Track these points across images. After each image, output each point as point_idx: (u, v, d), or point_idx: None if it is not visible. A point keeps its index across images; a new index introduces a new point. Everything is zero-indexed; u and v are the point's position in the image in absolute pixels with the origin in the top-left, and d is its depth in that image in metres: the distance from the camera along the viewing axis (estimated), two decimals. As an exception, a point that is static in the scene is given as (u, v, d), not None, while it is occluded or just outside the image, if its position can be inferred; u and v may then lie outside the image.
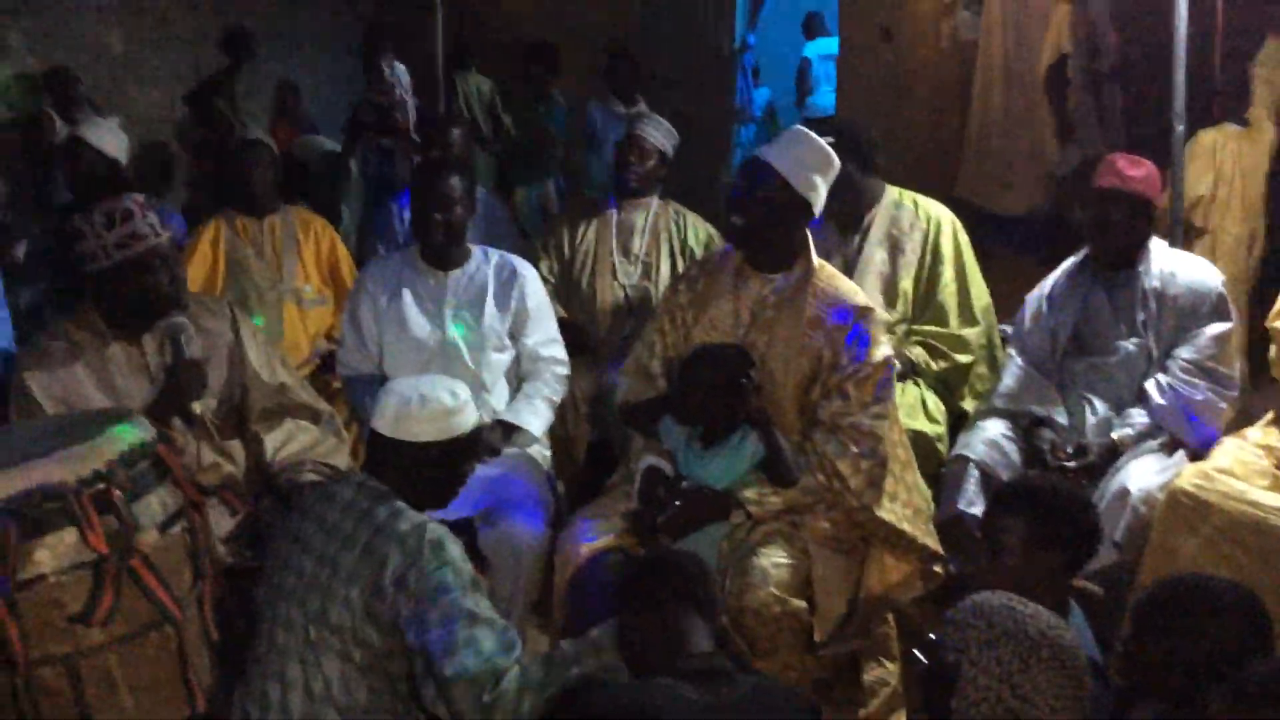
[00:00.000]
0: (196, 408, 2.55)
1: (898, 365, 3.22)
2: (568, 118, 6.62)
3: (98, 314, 2.59)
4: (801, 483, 2.80)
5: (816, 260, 2.93)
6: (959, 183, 5.73)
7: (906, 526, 2.83)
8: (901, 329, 3.57)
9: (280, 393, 2.96)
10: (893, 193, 3.65)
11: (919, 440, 3.34)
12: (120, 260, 2.46)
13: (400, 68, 5.58)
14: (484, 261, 3.48)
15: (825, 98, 7.82)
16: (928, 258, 3.58)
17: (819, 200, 2.87)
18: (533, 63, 6.55)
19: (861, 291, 3.00)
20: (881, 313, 3.48)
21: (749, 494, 2.78)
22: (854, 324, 2.84)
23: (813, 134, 2.87)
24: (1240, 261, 4.55)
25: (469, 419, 2.37)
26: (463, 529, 3.20)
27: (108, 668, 1.47)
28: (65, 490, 1.43)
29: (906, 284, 3.57)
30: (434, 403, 2.30)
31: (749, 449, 2.79)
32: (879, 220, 3.61)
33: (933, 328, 3.56)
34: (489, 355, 3.42)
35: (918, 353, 3.53)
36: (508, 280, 3.46)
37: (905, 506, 2.85)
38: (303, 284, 4.06)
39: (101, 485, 1.45)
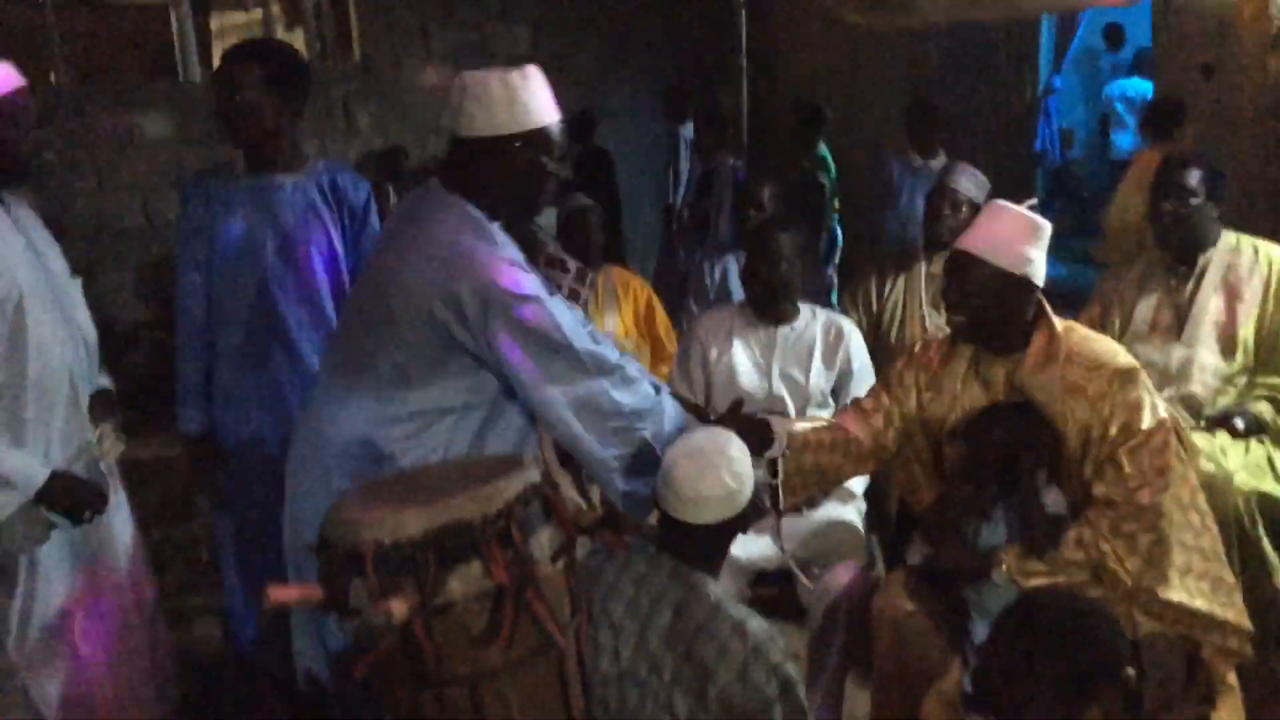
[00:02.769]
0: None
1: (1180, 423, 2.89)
2: (856, 172, 6.66)
3: None
4: (1065, 555, 2.57)
5: (1062, 324, 2.73)
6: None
7: (1201, 603, 2.57)
8: (1242, 381, 3.37)
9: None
10: (1230, 237, 3.48)
11: (1266, 503, 3.14)
12: None
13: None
14: (812, 319, 3.57)
15: (1125, 139, 7.50)
16: (1270, 304, 3.37)
17: (1038, 270, 2.68)
18: (800, 120, 6.62)
19: (1123, 352, 2.72)
20: (1216, 361, 3.34)
21: (1010, 559, 2.61)
22: (1118, 389, 2.60)
23: (1009, 205, 2.72)
24: None
25: (747, 493, 2.29)
26: (777, 580, 3.28)
27: (503, 689, 1.63)
28: (473, 526, 1.61)
29: (1246, 332, 3.38)
30: (718, 489, 2.21)
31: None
32: (1214, 264, 3.44)
33: (1278, 379, 3.35)
34: (813, 410, 3.49)
35: (1263, 407, 3.32)
36: (835, 339, 3.54)
37: (1200, 579, 2.59)
38: (622, 337, 4.28)
39: (503, 522, 1.62)
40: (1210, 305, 3.41)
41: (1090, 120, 8.64)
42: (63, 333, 2.58)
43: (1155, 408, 2.60)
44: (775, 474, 2.70)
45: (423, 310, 2.23)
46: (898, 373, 2.89)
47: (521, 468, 1.73)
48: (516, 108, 2.30)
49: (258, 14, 8.61)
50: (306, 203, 3.11)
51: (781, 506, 2.75)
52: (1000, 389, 2.73)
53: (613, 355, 2.35)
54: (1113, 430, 2.57)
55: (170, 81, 7.53)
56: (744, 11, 5.93)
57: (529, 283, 2.27)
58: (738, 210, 4.95)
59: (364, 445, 2.22)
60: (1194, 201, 3.37)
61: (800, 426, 2.89)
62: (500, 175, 2.31)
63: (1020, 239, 2.65)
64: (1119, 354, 2.68)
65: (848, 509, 3.43)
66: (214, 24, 10.28)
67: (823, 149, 6.62)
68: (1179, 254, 3.46)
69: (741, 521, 2.28)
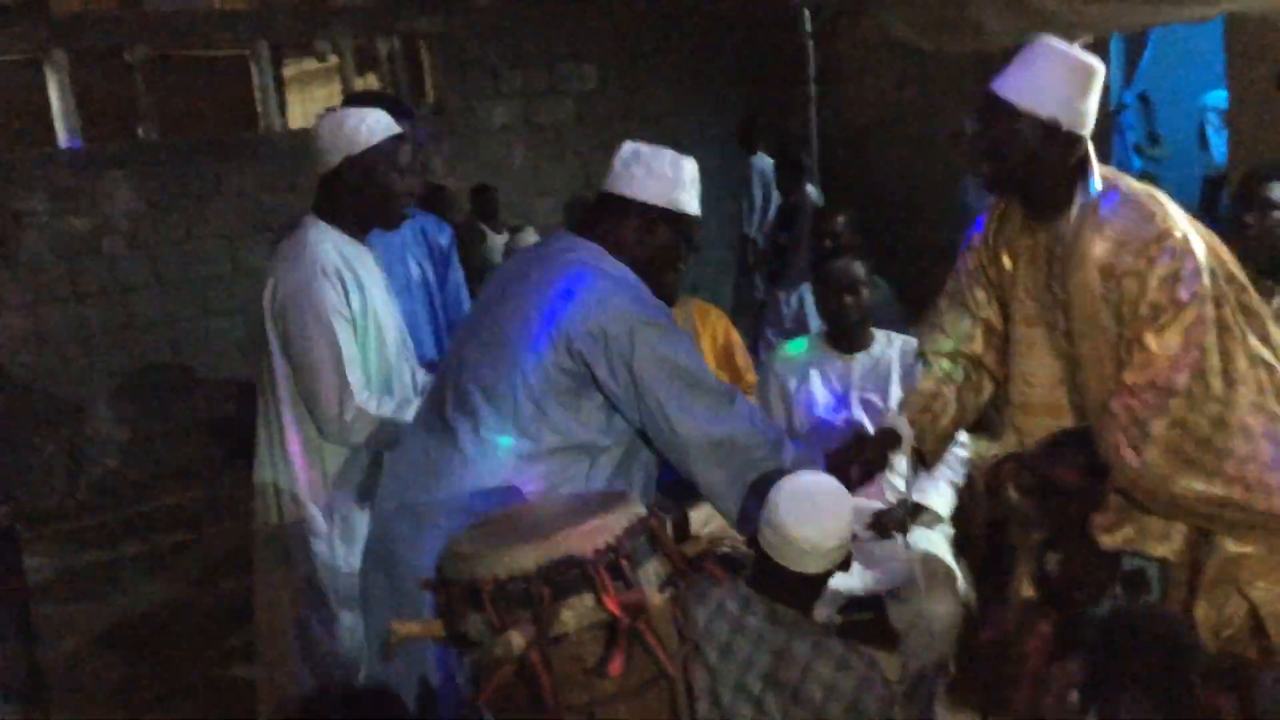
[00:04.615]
0: None
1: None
2: (931, 196, 6.68)
3: None
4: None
5: (1100, 182, 2.38)
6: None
7: (1228, 491, 2.23)
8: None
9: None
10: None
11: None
12: None
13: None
14: (888, 345, 3.60)
15: (1217, 150, 7.40)
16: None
17: (1083, 118, 2.33)
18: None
19: (1161, 213, 2.32)
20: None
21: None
22: (1147, 264, 2.28)
23: (1055, 42, 2.37)
24: None
25: (848, 546, 2.30)
26: (871, 606, 3.30)
27: (618, 717, 1.70)
28: (585, 559, 1.68)
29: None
30: (826, 540, 2.23)
31: None
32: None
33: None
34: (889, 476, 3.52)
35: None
36: (912, 363, 3.56)
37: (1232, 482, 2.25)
38: (704, 371, 4.34)
39: (612, 555, 1.69)
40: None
41: (1184, 131, 8.48)
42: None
43: (1192, 278, 2.27)
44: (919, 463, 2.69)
45: (563, 343, 2.29)
46: (972, 259, 2.64)
47: (627, 502, 1.80)
48: (681, 188, 2.46)
49: (332, 61, 8.86)
50: (402, 245, 3.24)
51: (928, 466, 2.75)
52: (1043, 258, 2.46)
53: (732, 390, 2.44)
54: (1142, 309, 2.29)
55: (253, 132, 7.78)
56: (811, 41, 5.99)
57: (669, 319, 2.37)
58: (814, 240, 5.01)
59: (504, 487, 2.28)
60: (1276, 214, 3.35)
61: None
62: (639, 242, 2.44)
63: (1064, 83, 2.32)
64: (1154, 218, 2.32)
65: (935, 534, 3.44)
66: (287, 72, 10.59)
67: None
68: (1265, 268, 3.43)
69: (842, 565, 2.30)
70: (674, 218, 2.46)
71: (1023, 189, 2.45)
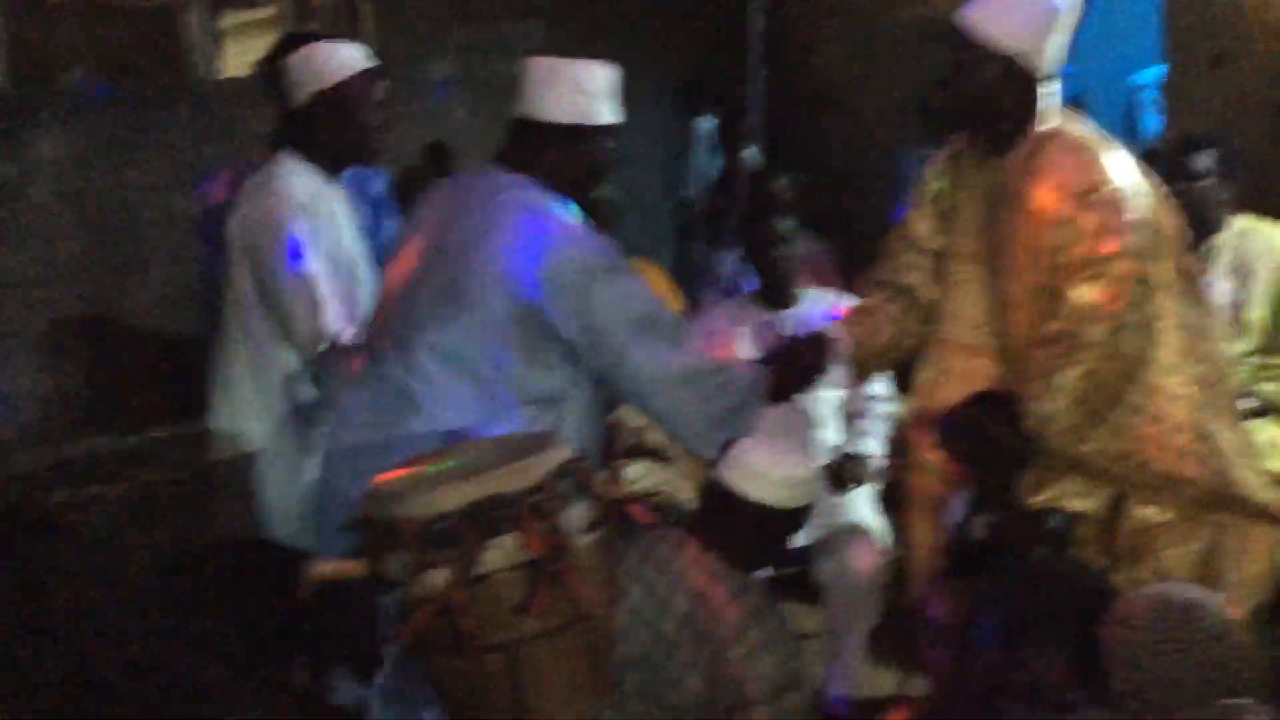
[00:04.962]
0: None
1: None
2: (873, 167, 6.70)
3: None
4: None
5: (1050, 125, 2.34)
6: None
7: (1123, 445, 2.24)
8: (1253, 361, 3.42)
9: (636, 434, 3.21)
10: (1240, 220, 3.53)
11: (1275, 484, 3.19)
12: None
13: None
14: (816, 301, 3.63)
15: (1151, 121, 7.53)
16: (1278, 286, 3.43)
17: (1043, 58, 2.31)
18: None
19: (1105, 158, 2.29)
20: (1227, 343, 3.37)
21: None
22: (1080, 210, 2.25)
23: None
24: None
25: (813, 493, 2.36)
26: (796, 560, 3.34)
27: (539, 656, 1.70)
28: (510, 499, 1.67)
29: (1257, 314, 3.43)
30: (803, 468, 2.30)
31: None
32: (1225, 248, 3.50)
33: (1288, 361, 3.39)
34: (823, 392, 3.55)
35: (1273, 388, 3.37)
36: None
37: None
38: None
39: (539, 496, 1.69)
40: (1220, 288, 3.46)
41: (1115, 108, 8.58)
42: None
43: (1121, 232, 2.25)
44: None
45: (518, 292, 2.25)
46: (925, 190, 2.64)
47: (556, 444, 1.79)
48: (598, 99, 2.39)
49: (267, 12, 8.67)
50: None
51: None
52: (988, 196, 2.45)
53: (685, 320, 2.43)
54: (1069, 258, 2.27)
55: (187, 81, 7.60)
56: (759, 6, 5.98)
57: (617, 256, 2.36)
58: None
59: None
60: (1203, 184, 3.42)
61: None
62: (567, 164, 2.38)
63: (1027, 19, 2.30)
64: (1091, 167, 2.29)
65: (860, 489, 3.48)
66: (223, 24, 10.35)
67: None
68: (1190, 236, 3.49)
69: (797, 524, 2.33)
70: (596, 131, 2.39)
71: (975, 123, 2.43)
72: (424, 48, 7.86)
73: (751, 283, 3.75)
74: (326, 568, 1.80)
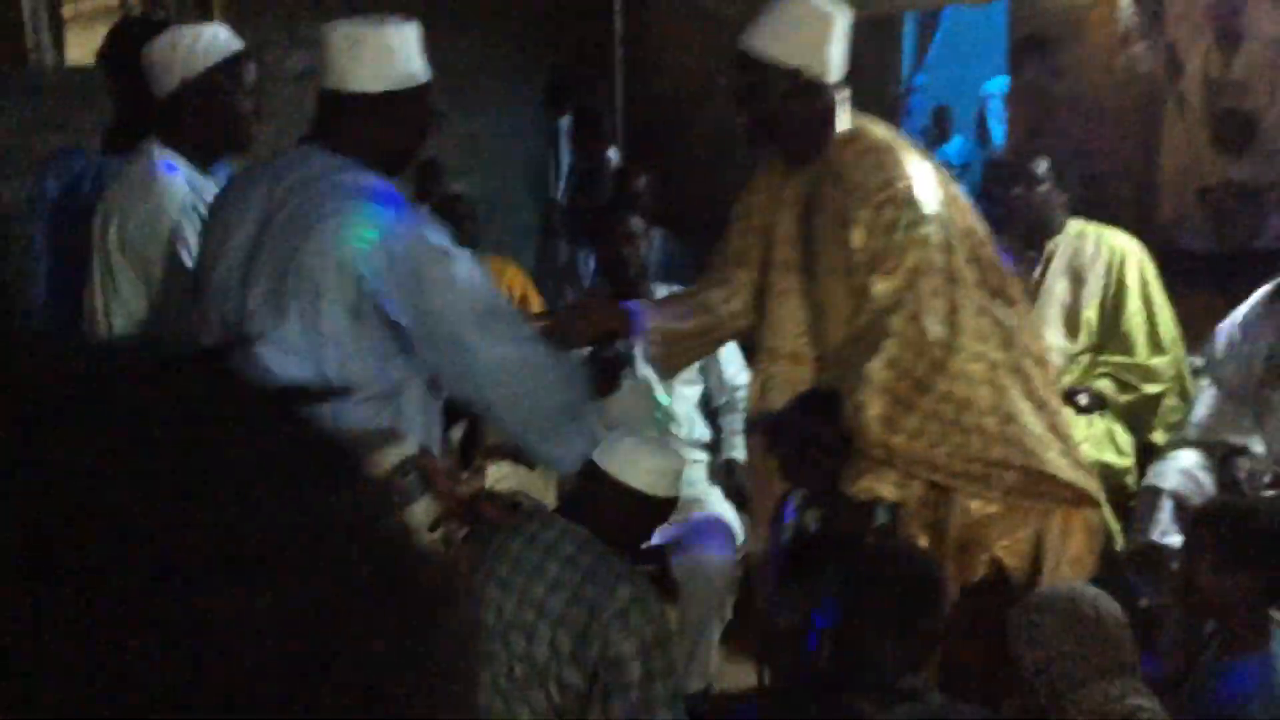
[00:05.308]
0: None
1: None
2: (734, 169, 6.81)
3: None
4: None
5: (845, 129, 2.44)
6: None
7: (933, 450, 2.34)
8: (1086, 360, 3.58)
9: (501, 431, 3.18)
10: (1075, 224, 3.69)
11: (1107, 473, 3.34)
12: None
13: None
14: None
15: (1000, 132, 7.80)
16: (1112, 287, 3.59)
17: (827, 66, 2.40)
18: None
19: (896, 158, 2.40)
20: (1062, 342, 3.51)
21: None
22: (874, 210, 2.35)
23: None
24: None
25: (678, 485, 2.38)
26: (654, 556, 3.35)
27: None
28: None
29: (1090, 314, 3.59)
30: (672, 459, 2.35)
31: None
32: (1061, 251, 3.65)
33: (1120, 358, 3.56)
34: (679, 388, 3.57)
35: (1104, 384, 3.53)
36: None
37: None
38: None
39: (379, 493, 1.65)
40: (1057, 289, 3.61)
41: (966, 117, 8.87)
42: None
43: (915, 225, 2.35)
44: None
45: (352, 281, 2.15)
46: (744, 206, 2.71)
47: (399, 440, 1.76)
48: (409, 60, 2.26)
49: (116, -1, 8.33)
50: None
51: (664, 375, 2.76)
52: (799, 205, 2.54)
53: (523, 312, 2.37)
54: (870, 255, 2.37)
55: (23, 67, 7.24)
56: (619, 6, 6.00)
57: (450, 240, 2.25)
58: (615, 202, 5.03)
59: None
60: (1041, 189, 3.56)
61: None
62: (386, 135, 2.24)
63: (806, 33, 2.40)
64: (884, 166, 2.39)
65: (715, 491, 3.52)
66: (66, 11, 9.91)
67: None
68: (1027, 239, 3.64)
69: (662, 515, 2.37)
70: (410, 95, 2.26)
71: (776, 138, 2.51)
72: (278, 40, 7.65)
73: (602, 281, 3.76)
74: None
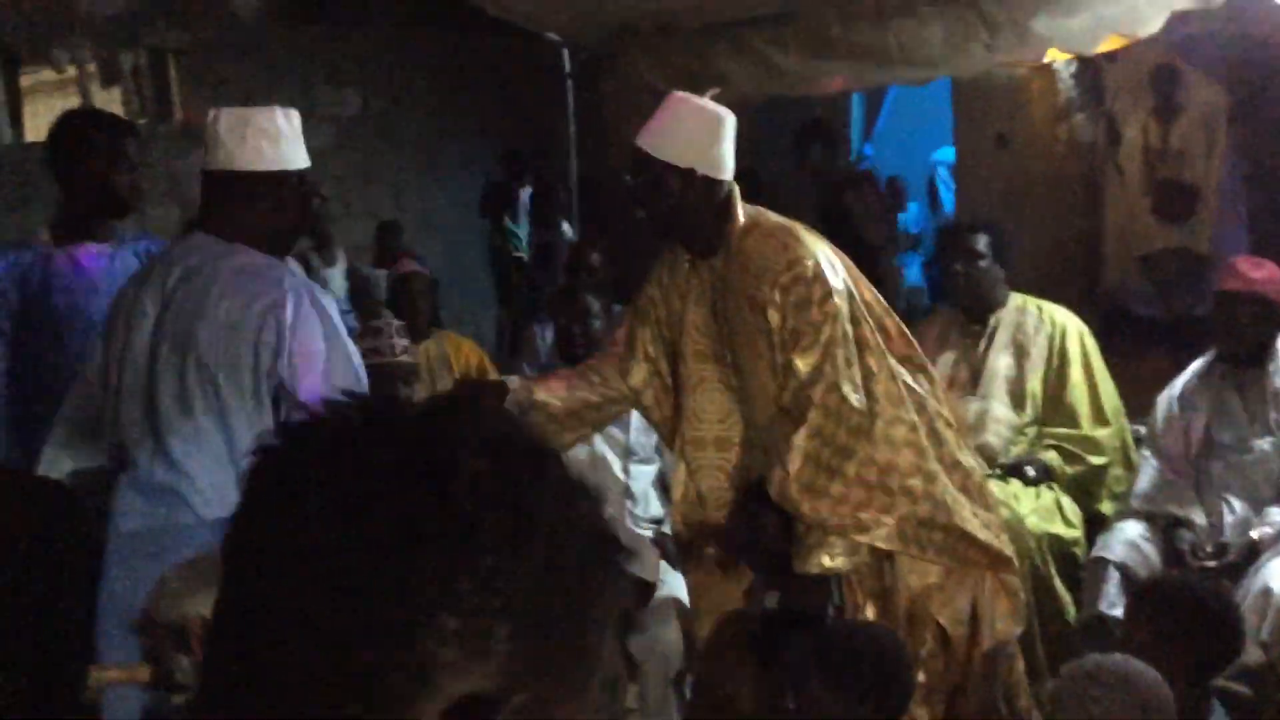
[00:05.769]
0: None
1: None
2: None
3: None
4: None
5: (748, 219, 2.56)
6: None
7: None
8: (1032, 432, 3.65)
9: None
10: (1016, 298, 3.77)
11: (1056, 544, 3.41)
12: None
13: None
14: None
15: (950, 200, 7.98)
16: (1054, 360, 3.66)
17: (719, 163, 2.51)
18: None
19: (797, 240, 2.51)
20: (1008, 414, 3.58)
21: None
22: (781, 293, 2.44)
23: (688, 96, 2.57)
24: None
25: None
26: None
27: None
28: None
29: (1034, 386, 3.65)
30: (640, 544, 2.48)
31: None
32: (1004, 325, 3.72)
33: (1064, 430, 3.63)
34: (636, 466, 3.61)
35: (1051, 456, 3.59)
36: None
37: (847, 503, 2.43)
38: (454, 401, 4.34)
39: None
40: (1001, 362, 3.68)
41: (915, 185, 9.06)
42: None
43: (823, 300, 2.44)
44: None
45: (259, 362, 2.18)
46: (643, 300, 2.78)
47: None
48: (290, 143, 2.31)
49: (72, 73, 8.36)
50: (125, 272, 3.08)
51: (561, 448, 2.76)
52: (708, 296, 2.62)
53: None
54: (785, 335, 2.45)
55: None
56: (571, 81, 6.11)
57: (337, 322, 2.28)
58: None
59: None
60: (982, 264, 3.65)
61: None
62: (272, 214, 2.29)
63: (697, 133, 2.51)
64: (786, 249, 2.49)
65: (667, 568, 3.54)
66: (25, 81, 9.92)
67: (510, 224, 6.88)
68: (970, 314, 3.73)
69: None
70: (291, 177, 2.31)
71: (675, 231, 2.62)
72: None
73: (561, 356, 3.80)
74: (110, 673, 1.73)
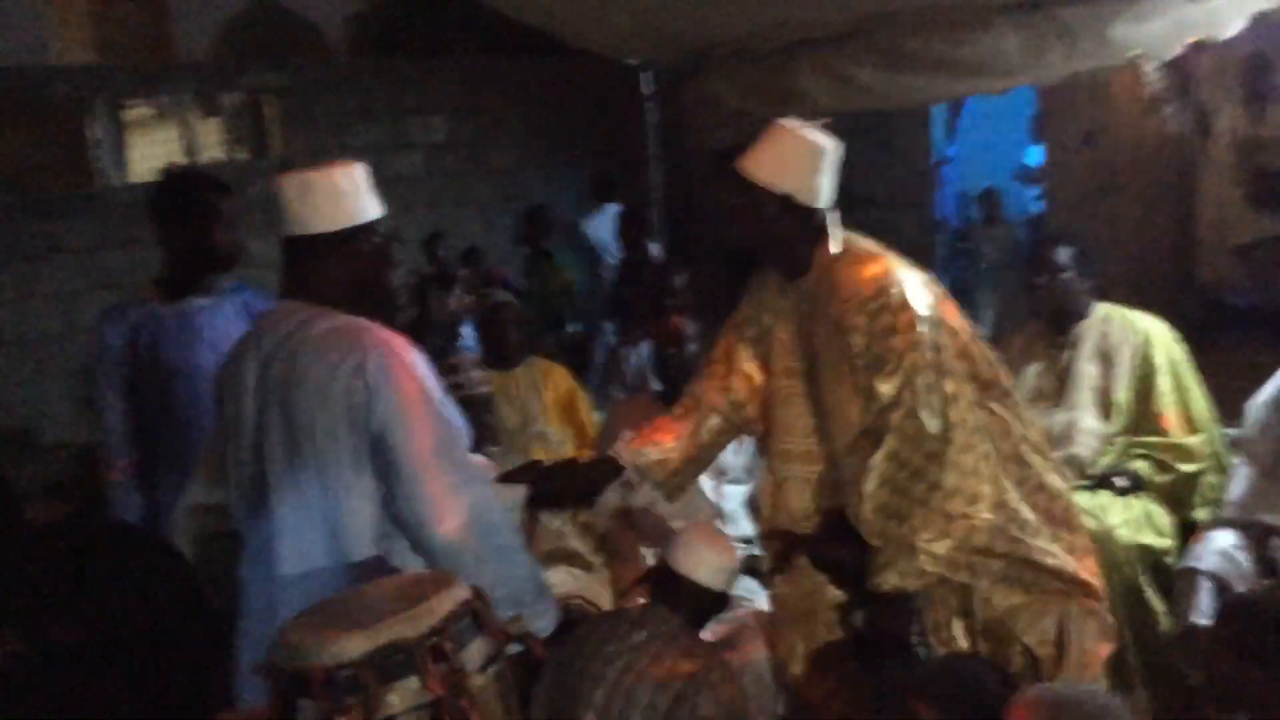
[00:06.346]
0: None
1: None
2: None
3: None
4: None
5: (841, 247, 2.65)
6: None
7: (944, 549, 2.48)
8: (1121, 441, 3.63)
9: (558, 538, 3.31)
10: (1101, 309, 3.76)
11: (1147, 554, 3.40)
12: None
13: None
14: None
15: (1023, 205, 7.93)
16: (1140, 369, 3.65)
17: (815, 192, 2.62)
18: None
19: (885, 267, 2.58)
20: (1095, 424, 3.57)
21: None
22: (869, 318, 2.52)
23: (795, 124, 2.65)
24: None
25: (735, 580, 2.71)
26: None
27: (447, 792, 1.79)
28: (410, 644, 1.77)
29: (1121, 395, 3.64)
30: (733, 555, 2.67)
31: None
32: (1089, 334, 3.72)
33: (1154, 439, 3.61)
34: (728, 487, 3.69)
35: (1141, 465, 3.58)
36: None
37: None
38: (546, 427, 4.46)
39: (437, 638, 1.79)
40: (1087, 372, 3.68)
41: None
42: None
43: (908, 328, 2.50)
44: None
45: (359, 424, 2.24)
46: (738, 317, 2.89)
47: (451, 585, 1.89)
48: (360, 197, 2.35)
49: (171, 112, 8.69)
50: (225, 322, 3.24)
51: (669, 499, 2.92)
52: (796, 316, 2.73)
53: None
54: (869, 360, 2.52)
55: (90, 187, 7.58)
56: (651, 102, 6.21)
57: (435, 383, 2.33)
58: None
59: (377, 561, 2.27)
60: (1065, 276, 3.66)
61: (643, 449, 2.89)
62: (349, 273, 2.34)
63: (798, 161, 2.61)
64: (875, 277, 2.55)
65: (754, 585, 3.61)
66: (129, 116, 10.34)
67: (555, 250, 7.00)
68: (1054, 325, 3.73)
69: (722, 604, 2.68)
70: (360, 231, 2.35)
71: (768, 253, 2.74)
72: (329, 146, 7.96)
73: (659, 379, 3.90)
74: (236, 717, 1.87)
